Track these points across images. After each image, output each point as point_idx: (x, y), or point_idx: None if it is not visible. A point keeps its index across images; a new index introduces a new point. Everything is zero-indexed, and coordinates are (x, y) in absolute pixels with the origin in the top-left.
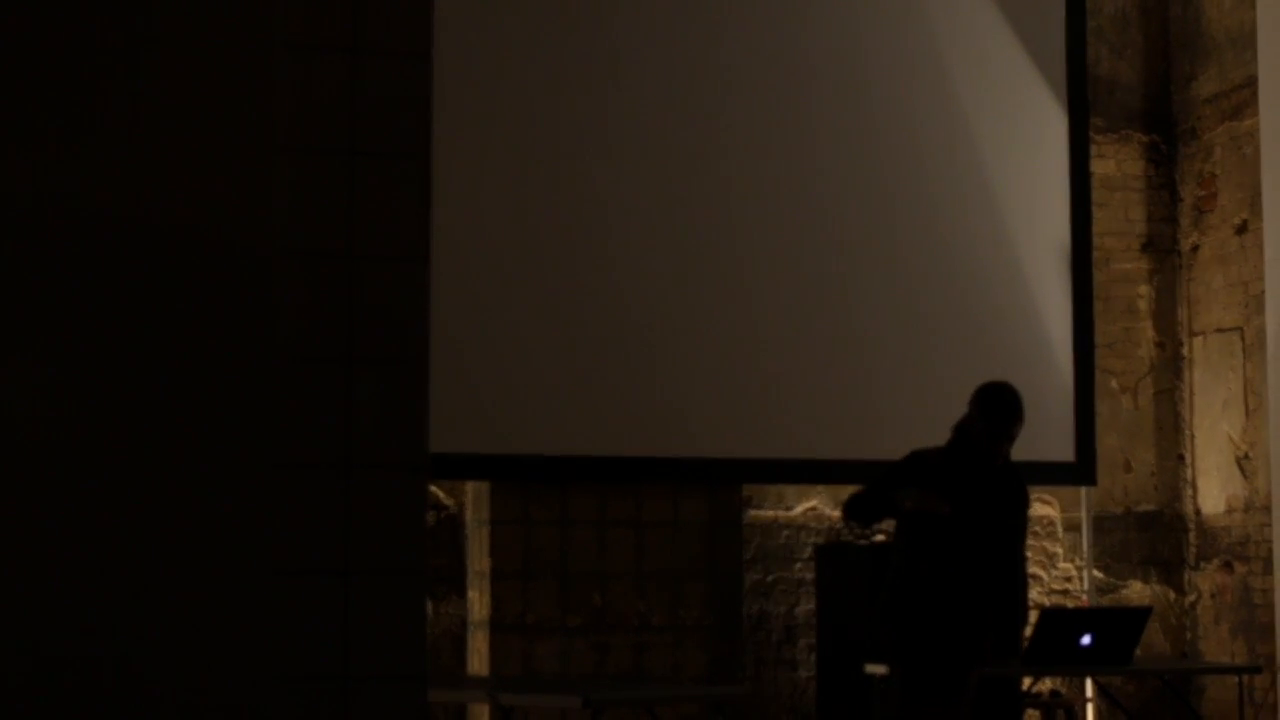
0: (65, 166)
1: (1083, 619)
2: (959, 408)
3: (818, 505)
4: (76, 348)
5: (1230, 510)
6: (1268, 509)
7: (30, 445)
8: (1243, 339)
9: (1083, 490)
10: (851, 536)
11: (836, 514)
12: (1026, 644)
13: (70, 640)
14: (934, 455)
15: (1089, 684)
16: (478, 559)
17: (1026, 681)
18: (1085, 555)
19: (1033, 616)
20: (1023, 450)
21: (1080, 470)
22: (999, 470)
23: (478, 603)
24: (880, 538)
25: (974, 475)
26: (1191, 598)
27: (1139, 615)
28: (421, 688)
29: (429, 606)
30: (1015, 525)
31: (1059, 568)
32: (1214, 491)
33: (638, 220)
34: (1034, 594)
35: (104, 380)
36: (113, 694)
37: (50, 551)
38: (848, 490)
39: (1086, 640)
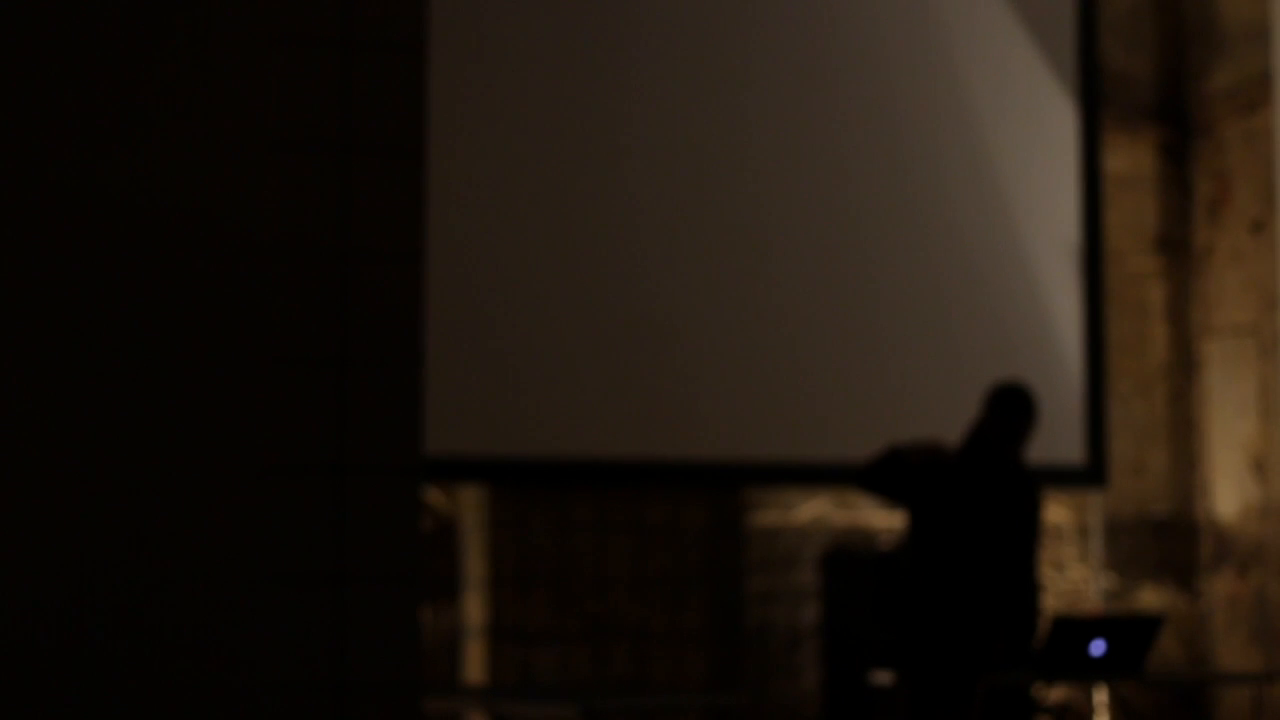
0: (49, 165)
1: (1094, 626)
2: (967, 408)
3: (822, 510)
4: (59, 347)
5: (1245, 515)
6: None
7: (14, 448)
8: (1258, 339)
9: (1094, 494)
10: (856, 543)
11: (842, 518)
12: (1037, 651)
13: (59, 644)
14: (948, 454)
15: (1101, 692)
16: (474, 564)
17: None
18: (1096, 560)
19: (1043, 623)
20: (1033, 452)
21: (1091, 473)
22: (1012, 472)
23: (474, 609)
24: (886, 544)
25: (986, 476)
26: (1205, 604)
27: (1151, 623)
28: (416, 696)
29: (424, 613)
30: (1028, 529)
31: (1069, 573)
32: (1228, 495)
33: (637, 220)
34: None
35: (90, 381)
36: (103, 698)
37: (37, 556)
38: (852, 493)
39: (1098, 648)
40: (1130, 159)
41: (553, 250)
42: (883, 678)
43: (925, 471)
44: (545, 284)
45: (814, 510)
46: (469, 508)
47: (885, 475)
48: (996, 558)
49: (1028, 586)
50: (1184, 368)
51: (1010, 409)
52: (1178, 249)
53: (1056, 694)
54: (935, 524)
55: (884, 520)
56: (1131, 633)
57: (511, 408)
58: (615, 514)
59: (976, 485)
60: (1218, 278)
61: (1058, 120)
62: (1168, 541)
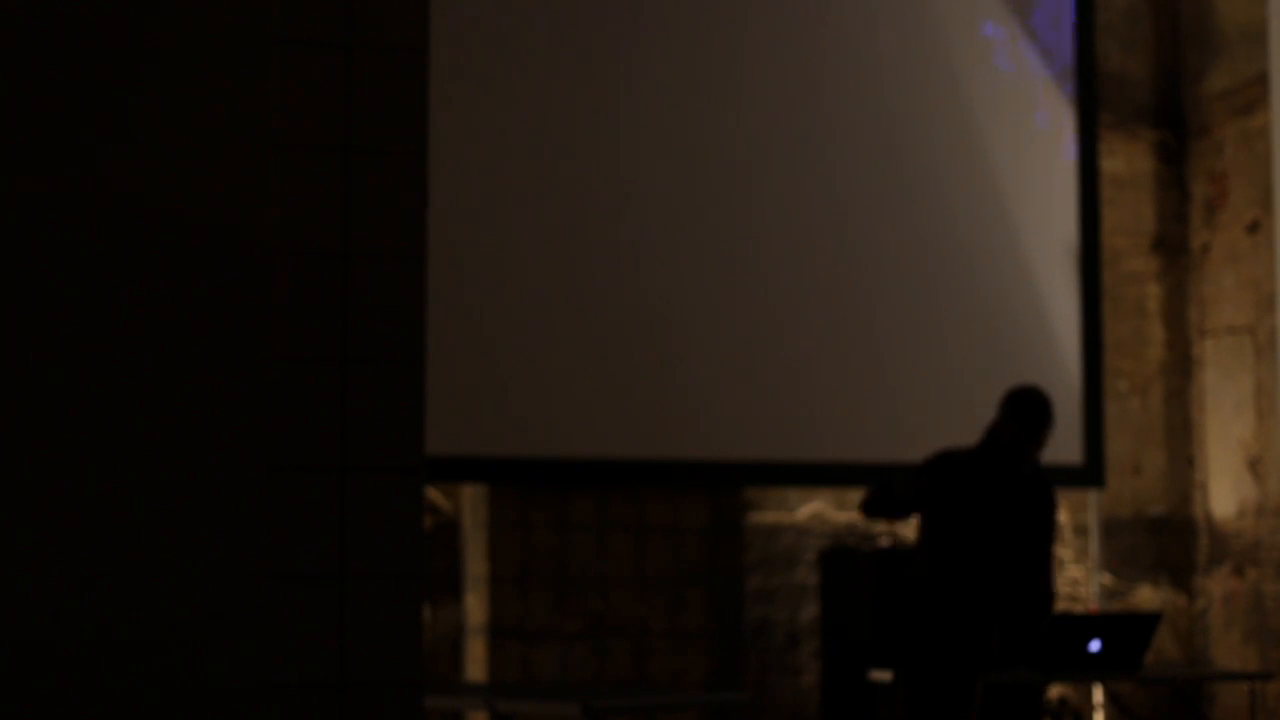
0: (51, 166)
1: (1091, 624)
2: (966, 408)
3: (821, 508)
4: (65, 347)
5: (1242, 514)
6: None
7: (16, 445)
8: (1254, 339)
9: (1091, 493)
10: (855, 541)
11: (840, 517)
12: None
13: (61, 642)
14: (962, 456)
15: (1098, 690)
16: (475, 563)
17: None
18: (1093, 559)
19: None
20: None
21: (1089, 473)
22: (1026, 476)
23: (475, 608)
24: (885, 542)
25: (1000, 480)
26: (1202, 603)
27: (1148, 621)
28: (418, 694)
29: (426, 612)
30: (1040, 531)
31: (1067, 572)
32: (1225, 495)
33: (637, 220)
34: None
35: (93, 380)
36: (105, 697)
37: (39, 555)
38: (851, 493)
39: (1095, 646)
40: (1127, 160)
41: (553, 250)
42: (881, 676)
43: (933, 479)
44: (546, 284)
45: (813, 509)
46: (470, 507)
47: (886, 504)
48: (1005, 560)
49: (1039, 589)
50: (1181, 368)
51: (1026, 413)
52: (1175, 250)
53: (1054, 692)
54: (947, 525)
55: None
56: (1128, 631)
57: (512, 408)
58: (615, 513)
59: (989, 488)
60: (1214, 278)
61: (1056, 122)
62: (1164, 540)
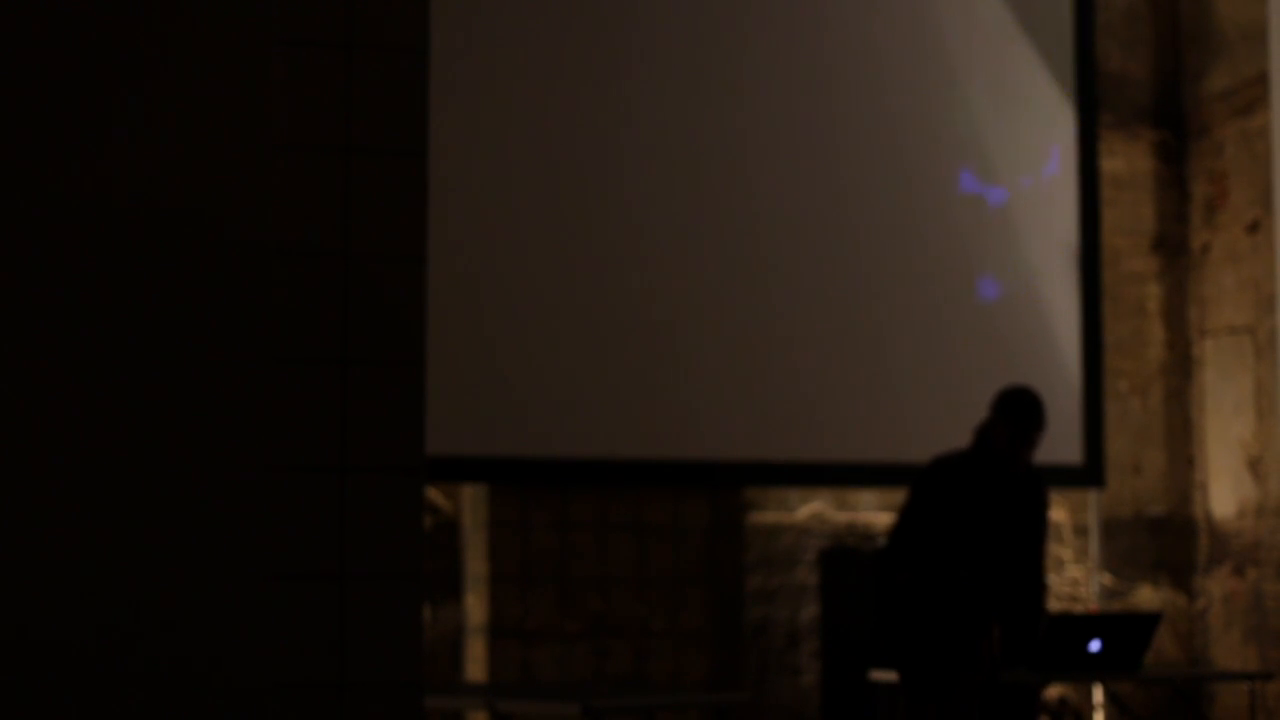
0: (52, 166)
1: (1091, 624)
2: (966, 408)
3: (821, 508)
4: (65, 347)
5: (1242, 514)
6: None
7: (16, 445)
8: (1254, 339)
9: (1091, 493)
10: (855, 541)
11: (840, 517)
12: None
13: (61, 642)
14: (955, 460)
15: (1098, 690)
16: (475, 563)
17: None
18: (1093, 559)
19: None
20: None
21: (1088, 473)
22: (1020, 476)
23: (475, 608)
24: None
25: (994, 481)
26: (1202, 603)
27: (1149, 621)
28: (418, 694)
29: (426, 611)
30: (1034, 531)
31: (1067, 572)
32: (1225, 495)
33: (637, 220)
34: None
35: (93, 380)
36: (105, 697)
37: (39, 555)
38: (851, 493)
39: (1095, 646)
40: (1127, 160)
41: (553, 250)
42: (881, 675)
43: (936, 520)
44: (545, 284)
45: (813, 509)
46: (470, 507)
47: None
48: (1001, 560)
49: (1034, 585)
50: (1181, 368)
51: (1017, 413)
52: (1175, 250)
53: (1054, 692)
54: (942, 526)
55: (883, 519)
56: (1128, 631)
57: (512, 408)
58: (616, 513)
59: (982, 488)
60: (1214, 278)
61: (1056, 122)
62: (1164, 540)
